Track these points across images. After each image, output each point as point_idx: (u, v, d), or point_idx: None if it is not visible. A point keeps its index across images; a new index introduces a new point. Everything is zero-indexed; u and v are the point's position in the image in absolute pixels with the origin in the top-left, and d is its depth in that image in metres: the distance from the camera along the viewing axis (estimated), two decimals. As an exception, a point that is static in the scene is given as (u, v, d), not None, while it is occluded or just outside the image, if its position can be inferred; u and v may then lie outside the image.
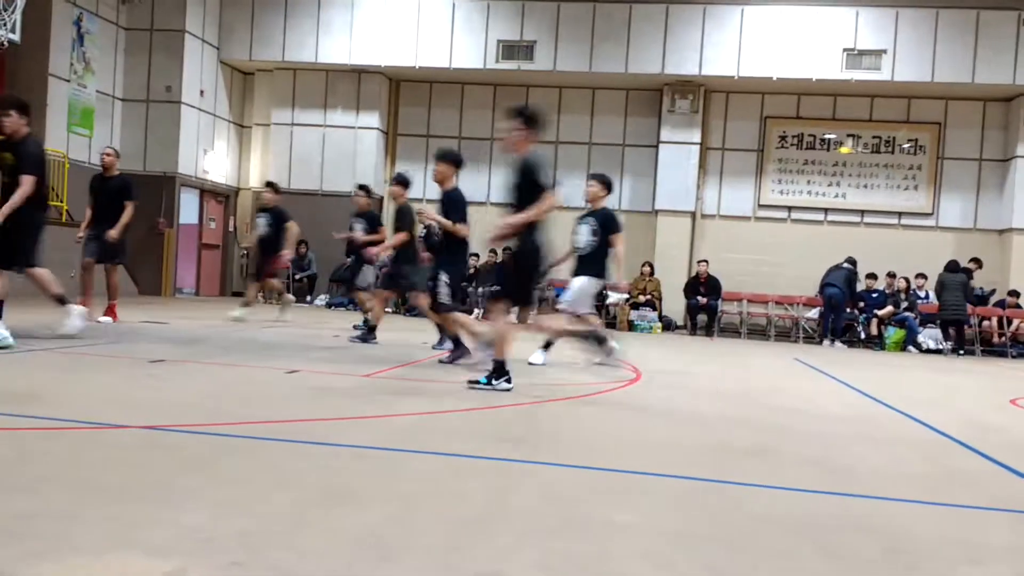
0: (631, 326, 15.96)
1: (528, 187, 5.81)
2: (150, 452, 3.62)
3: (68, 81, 14.97)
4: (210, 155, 17.62)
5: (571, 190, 17.63)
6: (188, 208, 17.25)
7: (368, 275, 10.67)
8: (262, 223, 11.36)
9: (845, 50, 16.14)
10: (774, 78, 16.31)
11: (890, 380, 9.75)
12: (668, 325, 16.36)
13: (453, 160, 7.98)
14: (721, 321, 16.45)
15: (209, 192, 17.91)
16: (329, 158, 17.56)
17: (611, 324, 16.32)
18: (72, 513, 2.68)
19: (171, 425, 4.12)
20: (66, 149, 14.64)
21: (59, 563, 2.25)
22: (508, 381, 5.99)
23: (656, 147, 17.23)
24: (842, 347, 15.01)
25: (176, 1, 16.37)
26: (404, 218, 9.16)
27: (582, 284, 8.28)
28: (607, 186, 8.82)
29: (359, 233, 10.28)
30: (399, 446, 4.03)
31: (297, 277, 16.93)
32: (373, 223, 10.48)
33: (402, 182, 9.39)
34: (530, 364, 8.04)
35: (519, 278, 6.02)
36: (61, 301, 7.50)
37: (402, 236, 9.03)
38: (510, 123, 5.98)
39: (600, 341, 7.95)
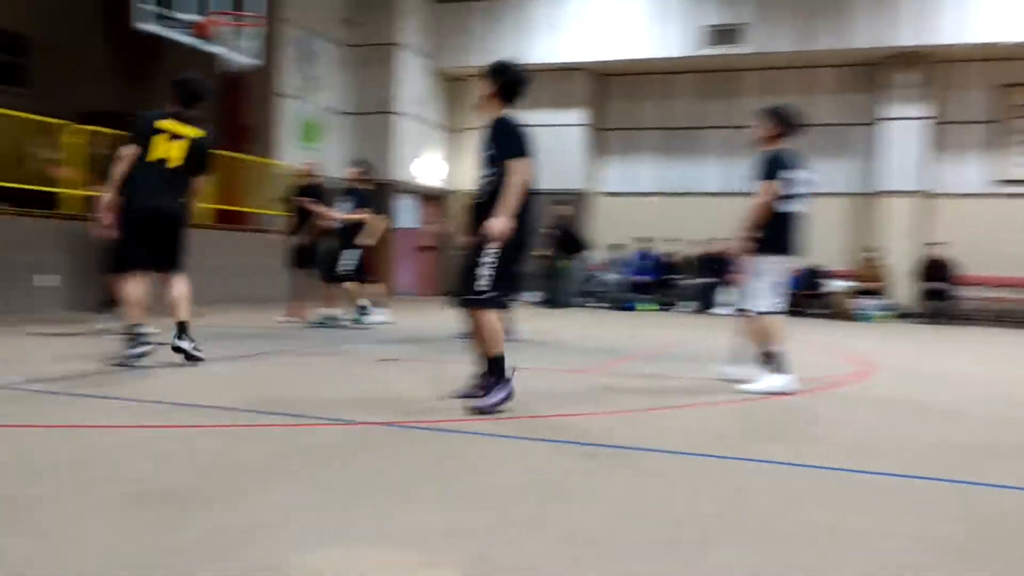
0: (855, 316, 15.10)
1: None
2: (394, 447, 3.81)
3: (296, 99, 16.08)
4: (424, 160, 18.37)
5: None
6: (405, 212, 18.07)
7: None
8: (347, 208, 9.96)
9: (1095, 4, 14.48)
10: (1008, 42, 14.87)
11: None
12: (898, 313, 15.34)
13: None
14: (958, 307, 15.23)
15: (424, 196, 18.69)
16: (537, 156, 17.80)
17: (833, 314, 15.55)
18: (332, 505, 2.86)
19: (411, 422, 4.31)
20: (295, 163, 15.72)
21: (323, 552, 2.40)
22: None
23: (877, 124, 16.20)
24: (1103, 334, 13.49)
25: (392, 16, 17.18)
26: None
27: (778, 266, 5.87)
28: (784, 121, 5.98)
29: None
30: (628, 443, 4.01)
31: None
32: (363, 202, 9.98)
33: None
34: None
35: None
36: None
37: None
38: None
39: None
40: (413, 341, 8.66)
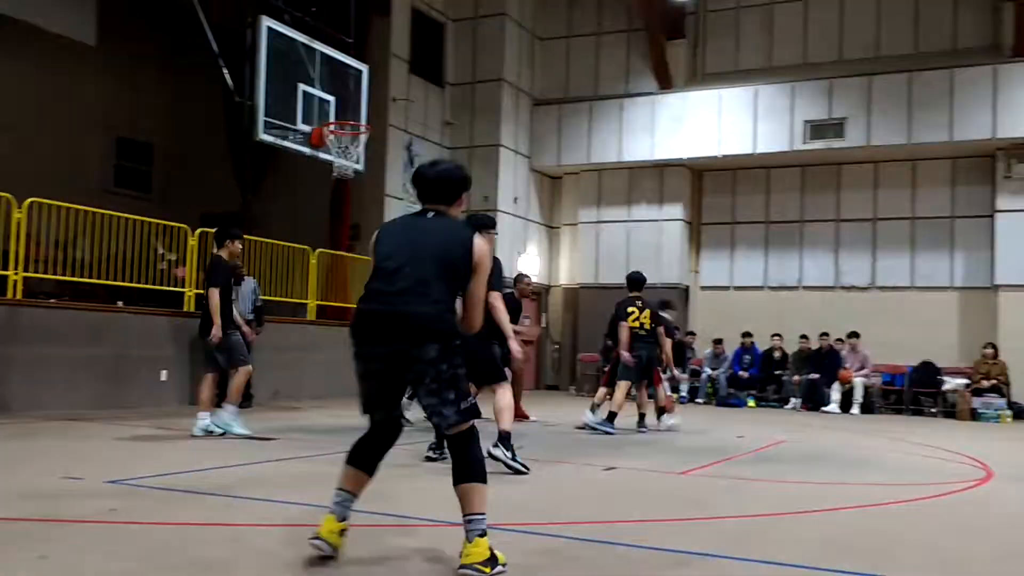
0: (974, 415, 14.33)
1: None
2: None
3: (401, 200, 16.64)
4: (523, 256, 18.63)
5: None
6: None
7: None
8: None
9: None
10: None
11: None
12: (1019, 413, 14.48)
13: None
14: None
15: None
16: (634, 252, 17.85)
17: (949, 413, 14.80)
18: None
19: (502, 524, 4.28)
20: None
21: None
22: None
23: (992, 217, 15.65)
24: None
25: (492, 119, 17.73)
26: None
27: None
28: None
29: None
30: (725, 552, 3.88)
31: (606, 369, 17.17)
32: None
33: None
34: None
35: None
36: None
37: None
38: None
39: None
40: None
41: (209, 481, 5.32)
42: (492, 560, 3.35)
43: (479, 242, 3.56)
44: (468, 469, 3.46)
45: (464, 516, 3.42)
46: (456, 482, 3.47)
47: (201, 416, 7.65)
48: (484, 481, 3.48)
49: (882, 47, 16.37)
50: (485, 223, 6.64)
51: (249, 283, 11.25)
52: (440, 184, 3.70)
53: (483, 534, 3.38)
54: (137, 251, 10.88)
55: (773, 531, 4.55)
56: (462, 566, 3.33)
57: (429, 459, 6.42)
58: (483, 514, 3.42)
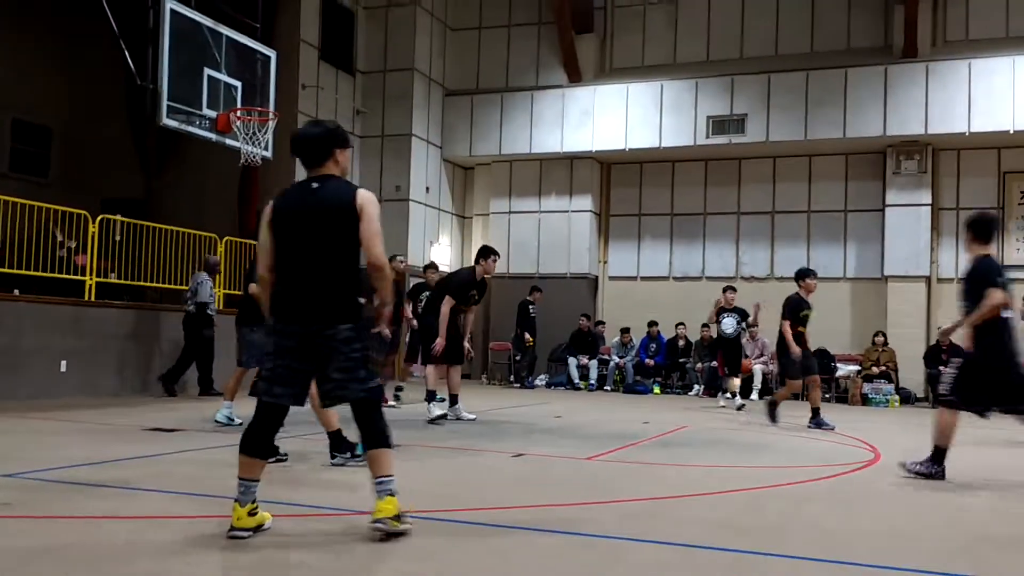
0: (865, 400, 15.04)
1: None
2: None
3: (311, 187, 16.43)
4: (435, 246, 18.66)
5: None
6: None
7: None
8: (730, 323, 12.24)
9: (1093, 93, 14.78)
10: (1011, 131, 15.16)
11: None
12: (906, 398, 15.26)
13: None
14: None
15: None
16: (544, 242, 18.09)
17: (842, 398, 15.51)
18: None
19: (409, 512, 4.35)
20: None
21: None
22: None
23: (882, 211, 16.40)
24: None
25: (403, 109, 17.66)
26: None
27: None
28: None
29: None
30: (626, 534, 4.04)
31: (517, 359, 17.37)
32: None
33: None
34: None
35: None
36: None
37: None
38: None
39: None
40: (417, 426, 8.69)
41: (108, 474, 5.24)
42: (399, 516, 3.75)
43: (362, 193, 3.87)
44: (374, 438, 3.84)
45: (374, 478, 3.80)
46: (365, 449, 3.90)
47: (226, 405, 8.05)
48: (389, 447, 3.86)
49: (780, 46, 16.97)
50: (485, 252, 8.82)
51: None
52: (306, 144, 4.00)
53: (392, 493, 3.76)
54: (34, 237, 10.51)
55: (672, 513, 4.74)
56: (375, 520, 3.71)
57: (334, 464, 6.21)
58: (391, 476, 3.80)
